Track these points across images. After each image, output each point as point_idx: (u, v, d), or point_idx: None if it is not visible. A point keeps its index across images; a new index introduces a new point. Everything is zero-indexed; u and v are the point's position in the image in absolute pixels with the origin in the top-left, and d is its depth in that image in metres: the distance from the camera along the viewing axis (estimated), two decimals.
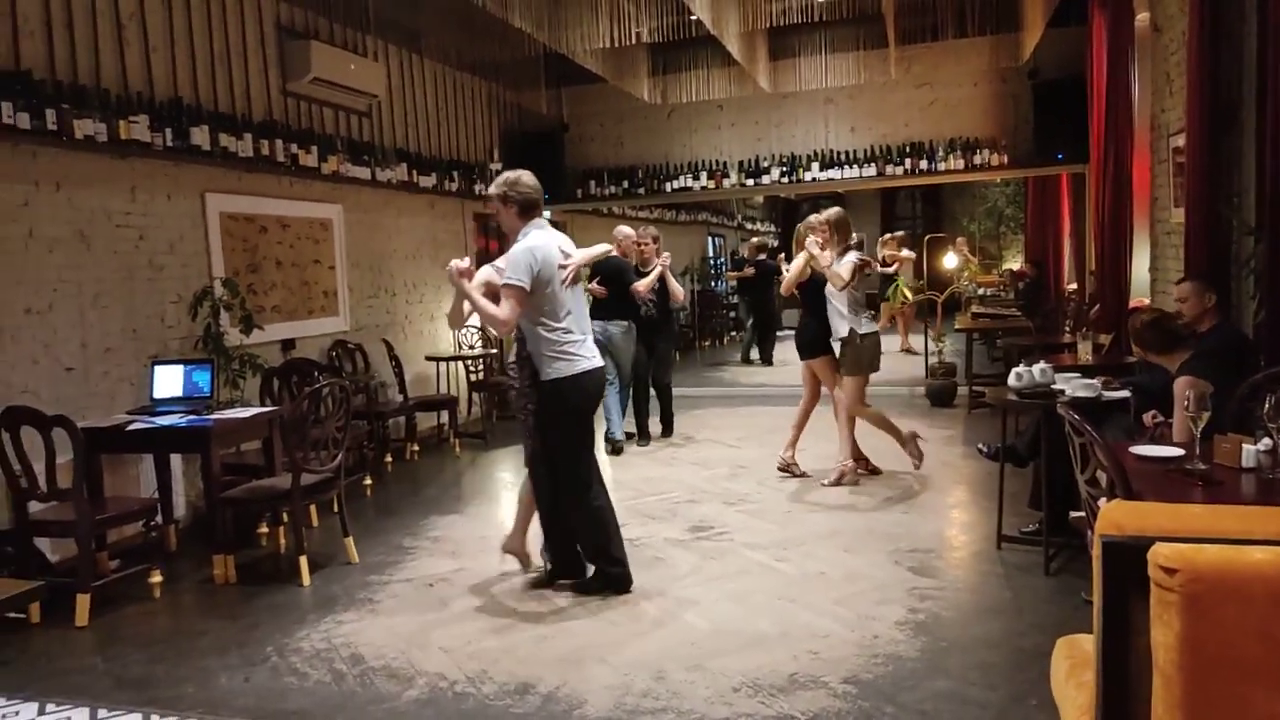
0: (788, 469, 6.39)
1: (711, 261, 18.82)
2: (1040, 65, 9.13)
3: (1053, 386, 4.66)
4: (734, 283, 14.07)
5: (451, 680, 3.57)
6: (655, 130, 10.84)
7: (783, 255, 6.46)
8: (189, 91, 5.99)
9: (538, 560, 4.71)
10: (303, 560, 4.75)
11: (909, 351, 13.18)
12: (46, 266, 5.06)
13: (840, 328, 5.98)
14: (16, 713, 3.42)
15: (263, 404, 5.89)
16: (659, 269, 7.34)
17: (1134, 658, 1.91)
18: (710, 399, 10.29)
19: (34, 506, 4.43)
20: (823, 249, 5.97)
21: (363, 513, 6.07)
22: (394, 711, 3.36)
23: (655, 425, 8.03)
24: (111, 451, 5.06)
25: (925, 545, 4.92)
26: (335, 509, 5.14)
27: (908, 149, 9.88)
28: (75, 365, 5.22)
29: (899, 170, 9.92)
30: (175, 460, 5.59)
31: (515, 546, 4.76)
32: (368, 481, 6.69)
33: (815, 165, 10.13)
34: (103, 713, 3.41)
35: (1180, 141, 5.57)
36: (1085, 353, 5.99)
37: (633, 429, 7.85)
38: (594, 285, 7.10)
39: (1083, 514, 3.70)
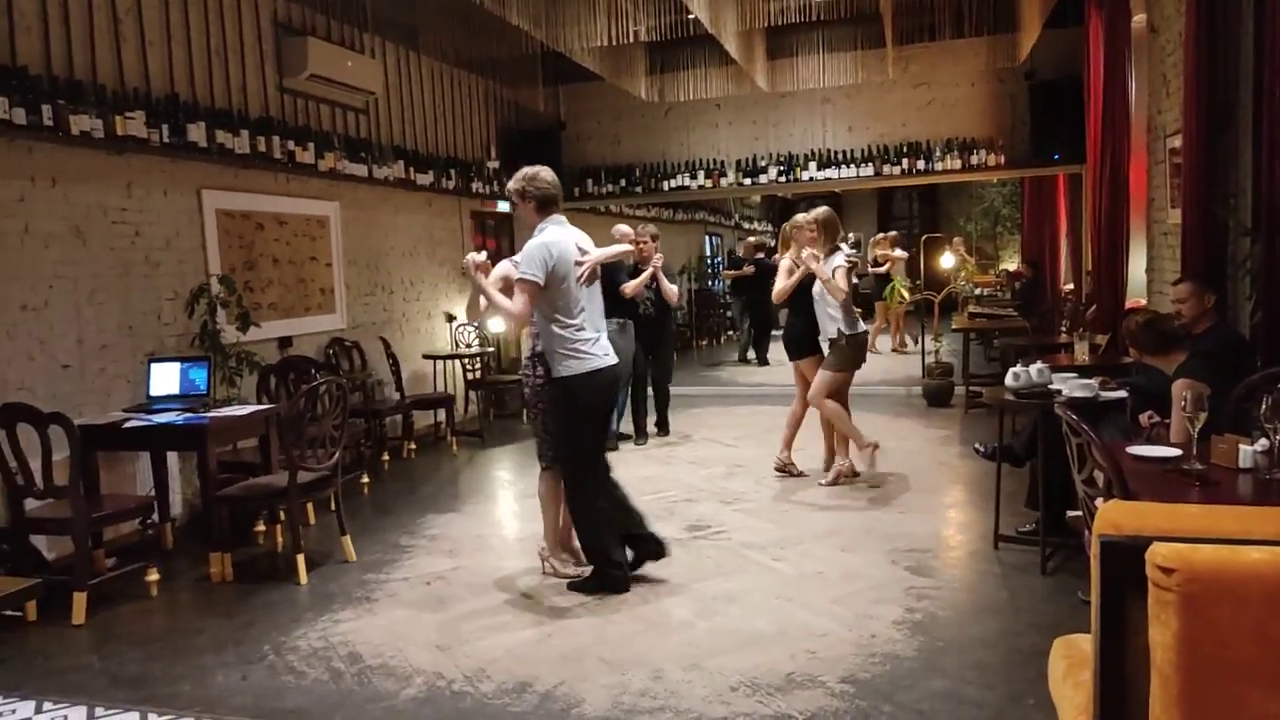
0: (785, 469, 6.39)
1: (709, 261, 18.81)
2: (1037, 66, 9.15)
3: (1050, 386, 4.66)
4: (728, 282, 14.05)
5: (449, 679, 3.57)
6: (653, 129, 10.84)
7: (778, 255, 6.41)
8: (185, 88, 5.98)
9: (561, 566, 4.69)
10: (300, 558, 4.75)
11: (900, 350, 13.22)
12: (42, 262, 5.05)
13: (829, 328, 5.98)
14: (13, 711, 3.41)
15: (259, 402, 5.88)
16: (650, 269, 7.31)
17: (1131, 657, 1.92)
18: (707, 398, 10.30)
19: (30, 504, 4.42)
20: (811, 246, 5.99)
21: (360, 511, 6.06)
22: (391, 710, 3.36)
23: (653, 426, 8.03)
24: (108, 449, 5.05)
25: (922, 545, 4.93)
26: (332, 507, 5.13)
27: (905, 149, 9.89)
28: (71, 362, 5.21)
29: (896, 170, 9.94)
30: (172, 458, 5.58)
31: (553, 547, 4.72)
32: (365, 480, 6.68)
33: (812, 165, 10.14)
34: (99, 711, 3.41)
35: (1177, 142, 5.59)
36: (1082, 353, 6.01)
37: (630, 428, 7.85)
38: None
39: (1080, 514, 3.71)
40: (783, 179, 10.34)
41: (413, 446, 7.79)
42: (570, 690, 3.42)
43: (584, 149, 10.90)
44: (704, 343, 16.01)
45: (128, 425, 4.85)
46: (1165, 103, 6.15)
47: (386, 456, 7.43)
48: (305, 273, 7.19)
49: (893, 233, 15.27)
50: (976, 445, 5.43)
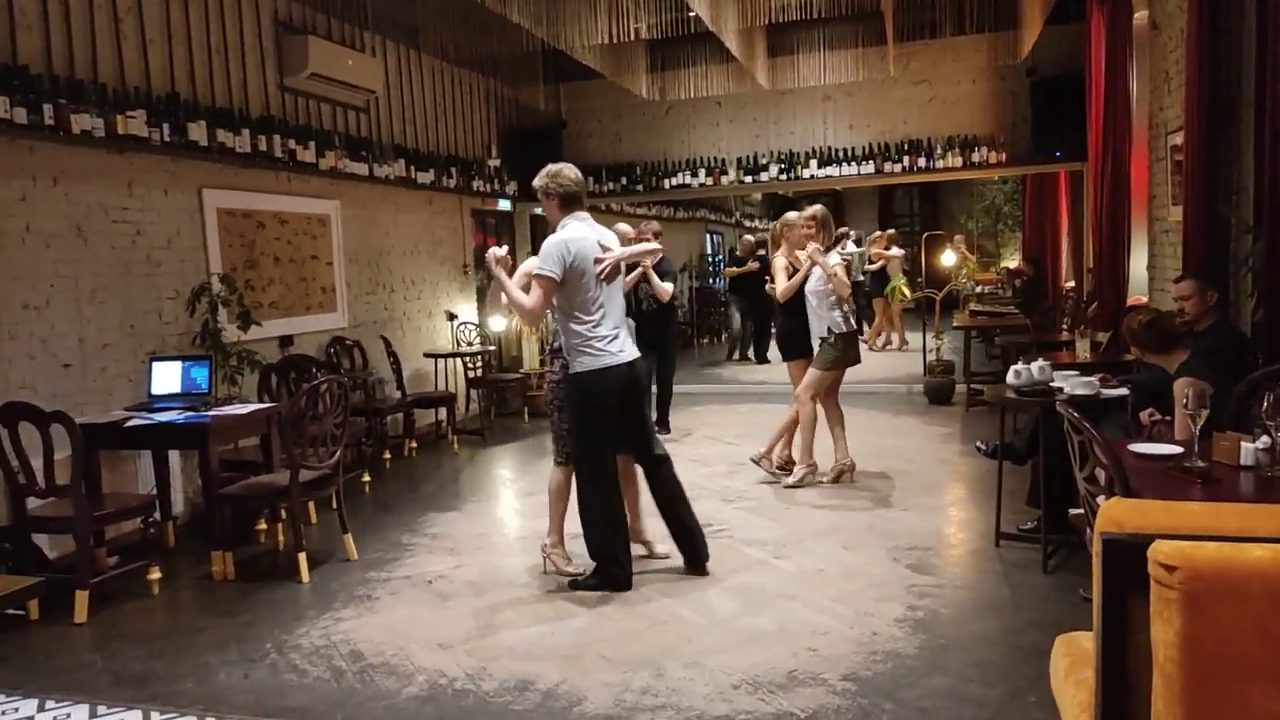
0: (785, 466, 6.37)
1: (710, 258, 18.80)
2: (1039, 63, 9.14)
3: (1051, 384, 4.66)
4: (727, 280, 14.01)
5: (451, 677, 3.57)
6: (653, 127, 10.83)
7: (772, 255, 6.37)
8: (186, 86, 5.98)
9: (661, 547, 4.73)
10: (301, 557, 4.75)
11: (888, 347, 13.22)
12: (44, 262, 5.05)
13: (820, 326, 5.96)
14: (16, 709, 3.41)
15: (261, 400, 5.88)
16: (640, 269, 7.25)
17: (1133, 655, 1.92)
18: (709, 395, 10.29)
19: (32, 503, 4.42)
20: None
21: (361, 509, 6.07)
22: (393, 708, 3.36)
23: (654, 423, 8.02)
24: (109, 448, 5.06)
25: (924, 543, 4.93)
26: (334, 505, 5.13)
27: (906, 146, 9.88)
28: (73, 361, 5.22)
29: (897, 167, 9.93)
30: (173, 456, 5.59)
31: (636, 533, 4.76)
32: (366, 478, 6.68)
33: (813, 162, 10.13)
34: (102, 709, 3.41)
35: (1178, 139, 5.58)
36: (1083, 350, 6.00)
37: None
38: None
39: (1081, 511, 3.71)
40: (784, 177, 10.33)
41: (414, 445, 7.79)
42: (572, 688, 3.43)
43: (585, 147, 10.89)
44: (705, 340, 16.01)
45: (129, 424, 4.85)
46: (1167, 99, 6.14)
47: (388, 455, 7.44)
48: (306, 271, 7.19)
49: (890, 231, 15.25)
50: (978, 443, 5.43)
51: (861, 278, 12.71)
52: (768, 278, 6.35)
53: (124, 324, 5.54)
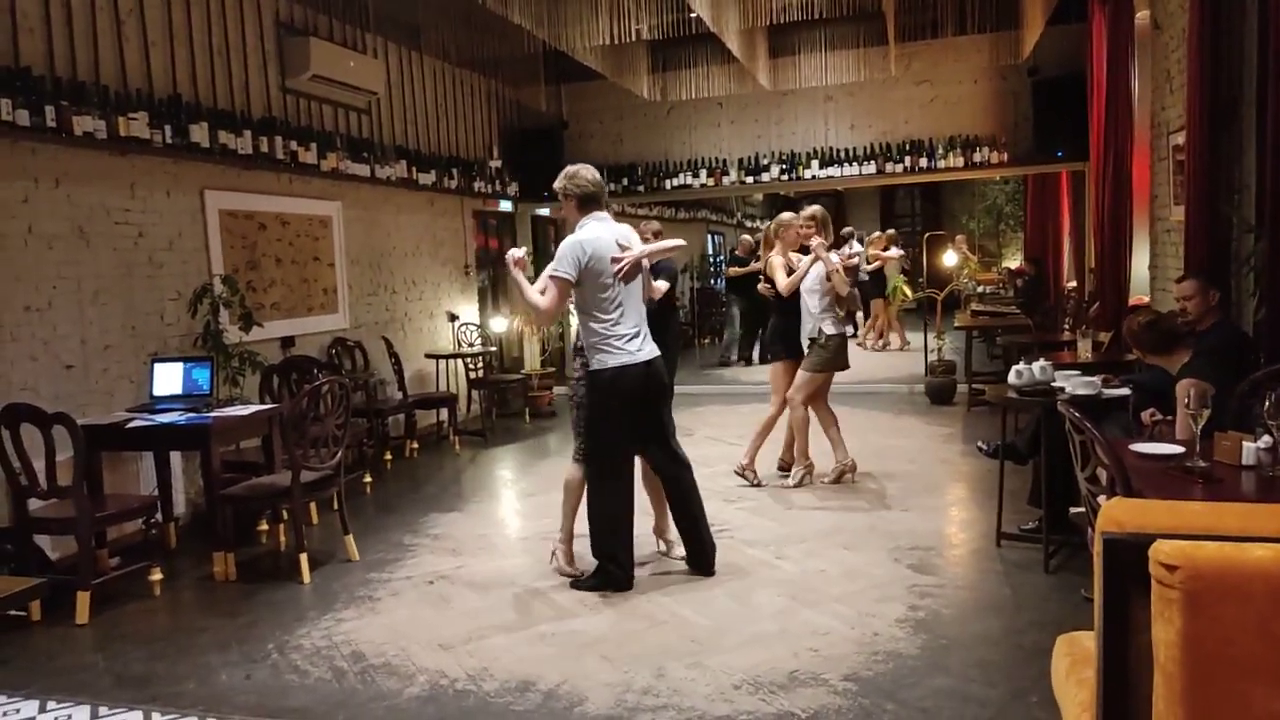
0: (786, 468, 6.36)
1: (711, 259, 18.80)
2: (1040, 63, 9.13)
3: (1052, 384, 4.66)
4: (725, 281, 13.98)
5: (452, 678, 3.57)
6: (655, 127, 10.83)
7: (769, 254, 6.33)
8: (188, 88, 5.99)
9: (680, 549, 4.73)
10: (303, 558, 4.75)
11: (888, 348, 13.22)
12: (46, 263, 5.06)
13: (811, 327, 5.95)
14: (17, 710, 3.42)
15: (262, 401, 5.89)
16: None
17: (1134, 655, 1.91)
18: (710, 396, 10.29)
19: (34, 504, 4.43)
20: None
21: (362, 510, 6.07)
22: (395, 709, 3.36)
23: None
24: (111, 449, 5.06)
25: (925, 543, 4.92)
26: (335, 506, 5.13)
27: (907, 146, 9.88)
28: (75, 362, 5.22)
29: (899, 168, 9.92)
30: (175, 458, 5.59)
31: (659, 530, 4.82)
32: (367, 479, 6.69)
33: (815, 163, 10.13)
34: (103, 710, 3.41)
35: (1180, 139, 5.57)
36: (1085, 350, 6.00)
37: None
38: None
39: (1083, 511, 3.71)
40: (785, 177, 10.33)
41: (415, 446, 7.79)
42: (573, 688, 3.43)
43: (586, 148, 10.88)
44: (706, 341, 16.00)
45: (131, 425, 4.85)
46: (1169, 99, 6.13)
47: (389, 456, 7.44)
48: (308, 273, 7.19)
49: (890, 231, 15.24)
50: (979, 443, 5.42)
51: (866, 278, 12.71)
52: (762, 277, 6.31)
53: (126, 325, 5.54)
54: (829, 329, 5.94)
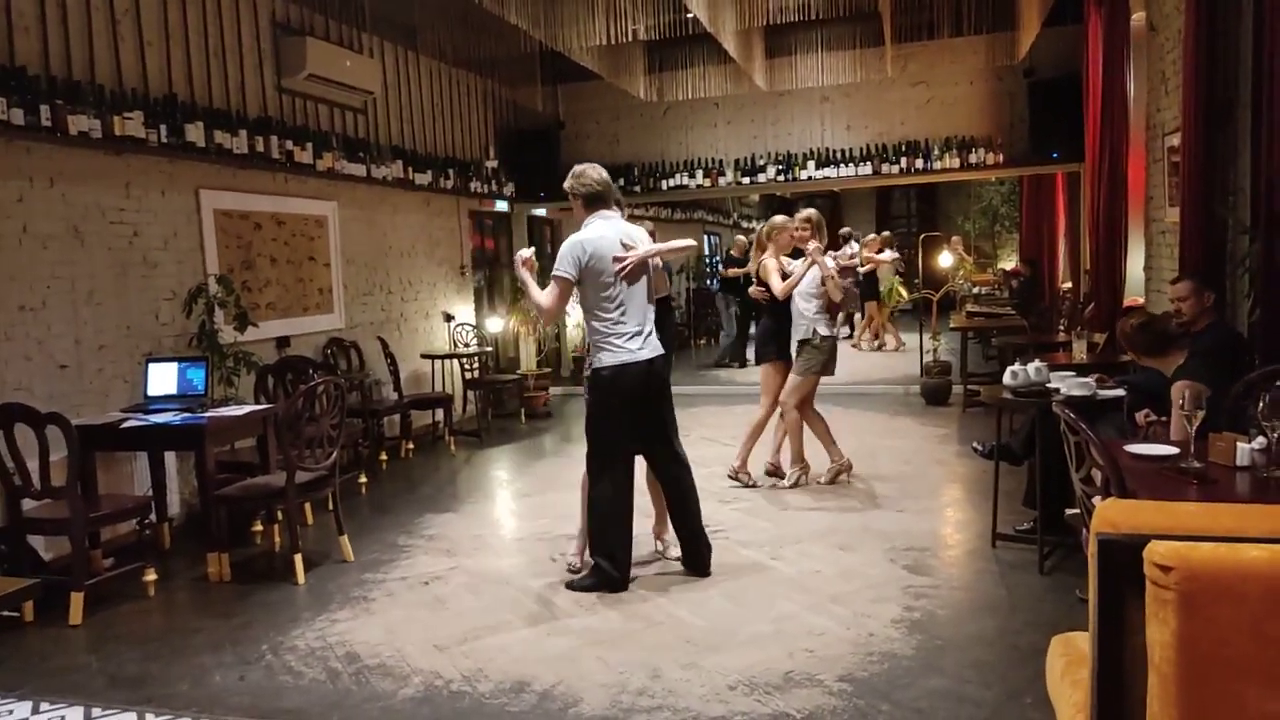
0: (775, 472, 6.34)
1: (707, 260, 18.79)
2: (1036, 64, 9.15)
3: (1047, 385, 4.66)
4: (719, 282, 13.95)
5: (447, 679, 3.57)
6: (651, 128, 10.83)
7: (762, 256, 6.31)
8: (184, 88, 5.97)
9: (675, 551, 4.73)
10: (297, 558, 4.74)
11: (884, 349, 13.23)
12: (40, 263, 5.05)
13: (803, 329, 5.95)
14: (10, 712, 3.40)
15: (257, 402, 5.88)
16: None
17: (1129, 655, 1.91)
18: (705, 397, 10.29)
19: (28, 504, 4.41)
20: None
21: (357, 511, 6.06)
22: (389, 710, 3.36)
23: None
24: (105, 449, 5.05)
25: (920, 543, 4.93)
26: (330, 507, 5.12)
27: (903, 147, 9.89)
28: (69, 362, 5.21)
29: (895, 169, 9.93)
30: (169, 458, 5.58)
31: (658, 531, 4.84)
32: (362, 479, 6.68)
33: (811, 164, 10.13)
34: (97, 711, 3.40)
35: (1175, 140, 5.59)
36: (1080, 351, 6.01)
37: None
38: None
39: (1077, 512, 3.71)
40: (781, 178, 10.34)
41: (410, 446, 7.78)
42: (568, 689, 3.42)
43: (583, 148, 10.88)
44: (702, 342, 15.99)
45: (125, 425, 4.84)
46: (1164, 101, 6.14)
47: (384, 456, 7.43)
48: (303, 272, 7.18)
49: (885, 233, 15.25)
50: (974, 444, 5.42)
51: (861, 278, 12.72)
52: (755, 279, 6.29)
53: (120, 325, 5.53)
54: (824, 330, 5.94)
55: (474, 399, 9.12)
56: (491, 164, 9.95)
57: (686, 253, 5.16)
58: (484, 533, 5.56)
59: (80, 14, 5.29)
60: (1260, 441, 2.97)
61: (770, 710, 3.21)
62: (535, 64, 9.06)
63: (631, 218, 4.75)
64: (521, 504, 6.32)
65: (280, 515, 5.24)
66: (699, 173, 10.53)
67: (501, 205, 10.54)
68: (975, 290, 12.78)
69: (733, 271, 12.82)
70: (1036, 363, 4.80)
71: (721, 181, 10.55)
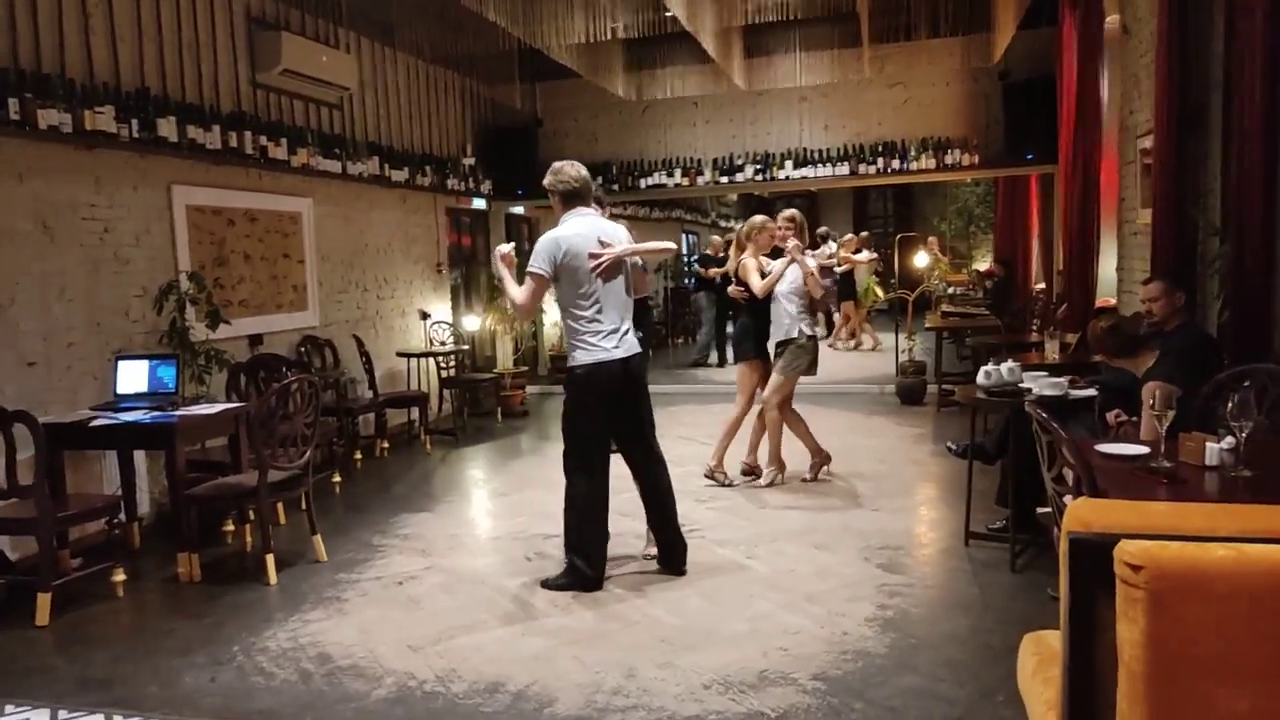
0: (751, 471, 6.34)
1: (685, 259, 18.79)
2: (1011, 66, 9.22)
3: (1020, 385, 4.70)
4: (695, 280, 13.92)
5: (420, 679, 3.54)
6: (630, 126, 10.83)
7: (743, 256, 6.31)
8: (156, 82, 5.90)
9: (653, 549, 4.69)
10: (269, 558, 4.69)
11: (860, 348, 13.29)
12: (8, 259, 4.96)
13: (786, 329, 5.96)
14: None
15: (229, 400, 5.81)
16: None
17: (1100, 654, 1.93)
18: (683, 396, 10.28)
19: None
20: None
21: (331, 510, 6.01)
22: (362, 711, 3.33)
23: None
24: (74, 448, 4.98)
25: (895, 542, 4.95)
26: (303, 506, 5.08)
27: (880, 148, 9.94)
28: (37, 360, 5.13)
29: (872, 169, 9.99)
30: (139, 457, 5.51)
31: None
32: (336, 479, 6.62)
33: (789, 163, 10.17)
34: (64, 714, 3.35)
35: (1148, 143, 5.64)
36: (1052, 352, 6.06)
37: None
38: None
39: (1049, 510, 3.74)
40: (759, 178, 10.36)
41: (385, 445, 7.73)
42: (543, 689, 3.41)
43: (561, 146, 10.85)
44: (679, 340, 16.00)
45: (94, 424, 4.77)
46: (1137, 103, 6.20)
47: (359, 455, 7.38)
48: (277, 269, 7.11)
49: (863, 234, 15.31)
50: (949, 443, 5.46)
51: (837, 278, 12.76)
52: (733, 279, 6.28)
53: (90, 322, 5.45)
54: (808, 330, 5.96)
55: (450, 397, 9.07)
56: (469, 161, 9.90)
57: (665, 255, 5.14)
58: (459, 532, 5.53)
59: (51, 6, 5.21)
60: (1229, 441, 3.00)
61: (745, 709, 3.21)
62: (514, 61, 9.02)
63: (611, 216, 4.73)
64: (497, 503, 6.29)
65: (252, 515, 5.19)
66: (677, 172, 10.54)
67: (479, 203, 10.49)
68: (950, 290, 12.86)
69: (711, 271, 12.82)
70: (1010, 363, 4.84)
71: (700, 181, 10.57)
